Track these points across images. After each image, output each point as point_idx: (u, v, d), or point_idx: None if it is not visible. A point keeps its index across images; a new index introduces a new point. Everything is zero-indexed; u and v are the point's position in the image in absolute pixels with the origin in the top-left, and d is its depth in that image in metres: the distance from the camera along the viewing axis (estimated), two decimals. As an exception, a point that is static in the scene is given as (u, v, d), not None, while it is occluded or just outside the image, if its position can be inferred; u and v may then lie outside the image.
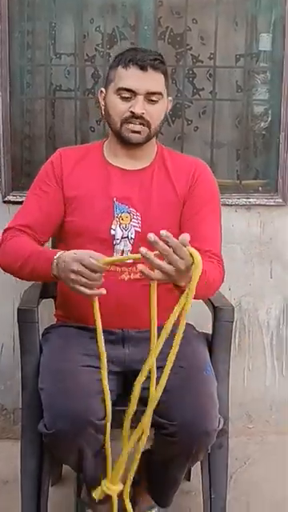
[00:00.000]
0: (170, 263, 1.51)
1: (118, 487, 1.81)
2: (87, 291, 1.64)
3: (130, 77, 1.87)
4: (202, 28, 2.58)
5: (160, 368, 1.65)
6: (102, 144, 2.03)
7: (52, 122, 2.60)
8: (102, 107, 1.97)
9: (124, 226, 1.91)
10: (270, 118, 2.62)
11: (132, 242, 1.91)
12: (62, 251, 1.74)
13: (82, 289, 1.64)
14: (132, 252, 1.90)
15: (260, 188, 2.62)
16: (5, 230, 1.95)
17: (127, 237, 1.91)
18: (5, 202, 2.50)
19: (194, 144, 2.63)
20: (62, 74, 2.59)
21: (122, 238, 1.91)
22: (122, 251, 1.91)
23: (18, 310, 1.94)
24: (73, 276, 1.64)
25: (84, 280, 1.62)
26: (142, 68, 1.86)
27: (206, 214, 1.96)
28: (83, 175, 1.96)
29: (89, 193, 1.94)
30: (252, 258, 2.60)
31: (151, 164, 1.99)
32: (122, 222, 1.91)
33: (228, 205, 2.51)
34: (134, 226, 1.92)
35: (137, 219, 1.92)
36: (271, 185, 2.61)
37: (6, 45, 2.44)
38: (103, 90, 1.96)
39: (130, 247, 1.91)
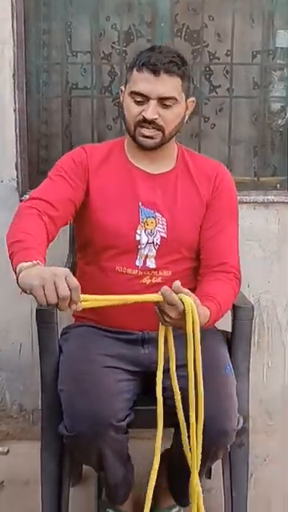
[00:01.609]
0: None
1: None
2: (43, 300, 1.48)
3: (142, 81, 1.82)
4: (218, 25, 2.57)
5: (181, 367, 1.67)
6: (122, 143, 1.99)
7: (68, 121, 2.60)
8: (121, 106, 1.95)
9: (149, 231, 1.90)
10: (287, 115, 2.60)
11: (157, 247, 1.90)
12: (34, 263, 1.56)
13: (42, 296, 1.48)
14: (156, 257, 1.89)
15: (278, 185, 2.61)
16: (21, 203, 1.88)
17: (152, 242, 1.89)
18: (22, 201, 2.49)
19: (211, 141, 2.62)
20: (78, 73, 2.58)
21: (148, 243, 1.89)
22: (146, 256, 1.90)
23: (37, 310, 1.93)
24: (47, 277, 1.48)
25: (52, 289, 1.46)
26: (155, 72, 1.81)
27: (225, 224, 1.95)
28: (109, 175, 1.93)
29: (115, 194, 1.91)
30: (270, 256, 2.58)
31: (174, 167, 1.96)
32: (147, 227, 1.89)
33: (246, 202, 2.49)
34: (160, 232, 1.90)
35: (162, 225, 1.90)
36: (289, 182, 2.60)
37: (23, 44, 2.43)
38: (122, 88, 1.93)
39: (154, 252, 1.89)
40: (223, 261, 1.90)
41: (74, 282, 1.48)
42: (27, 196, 2.43)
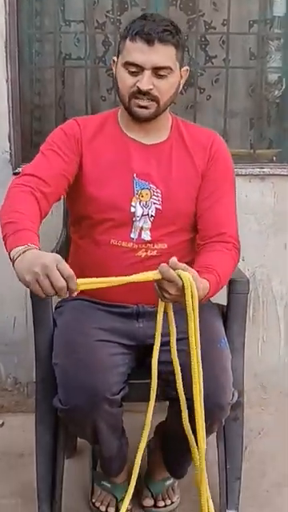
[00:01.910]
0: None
1: None
2: (41, 294, 1.49)
3: (136, 51, 1.78)
4: (214, -7, 2.52)
5: (179, 340, 1.67)
6: (116, 114, 1.96)
7: (62, 92, 2.56)
8: (114, 76, 1.90)
9: (144, 203, 1.87)
10: (284, 86, 2.57)
11: (152, 219, 1.88)
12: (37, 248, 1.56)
13: (39, 290, 1.48)
14: (151, 229, 1.87)
15: (274, 158, 2.59)
16: (13, 180, 1.83)
17: (147, 214, 1.87)
18: (15, 174, 2.46)
19: (206, 113, 2.60)
20: (71, 42, 2.54)
21: (143, 215, 1.87)
22: (141, 228, 1.88)
23: (31, 284, 1.92)
24: (39, 271, 1.47)
25: (47, 282, 1.46)
26: (149, 42, 1.77)
27: (222, 194, 1.92)
28: (103, 146, 1.90)
29: (109, 166, 1.88)
30: (266, 229, 2.57)
31: (168, 138, 1.93)
32: (141, 198, 1.87)
33: (242, 175, 2.47)
34: (155, 203, 1.88)
35: (157, 196, 1.88)
36: (285, 154, 2.57)
37: (15, 12, 2.38)
38: (115, 59, 1.89)
39: (149, 225, 1.87)
40: (221, 231, 1.88)
41: (67, 270, 1.47)
42: (20, 169, 2.44)
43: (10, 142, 2.44)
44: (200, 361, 1.63)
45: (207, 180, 1.92)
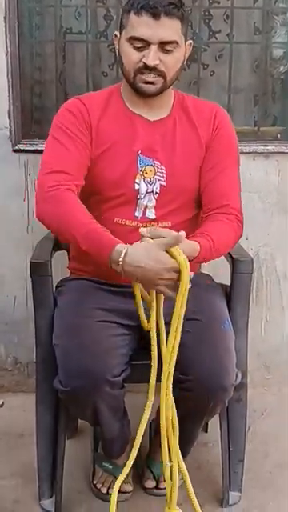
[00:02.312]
0: None
1: None
2: (170, 293, 1.60)
3: (142, 25, 1.73)
4: None
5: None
6: (119, 90, 1.92)
7: (63, 67, 2.51)
8: (117, 52, 1.86)
9: (149, 179, 1.84)
10: (289, 62, 2.53)
11: (156, 196, 1.85)
12: (124, 246, 1.63)
13: (167, 290, 1.60)
14: (156, 207, 1.85)
15: (278, 135, 2.55)
16: (43, 178, 1.80)
17: (152, 191, 1.84)
18: (15, 150, 2.43)
19: (210, 89, 2.55)
20: (72, 16, 2.48)
21: (147, 192, 1.84)
22: (146, 206, 1.85)
23: (31, 263, 1.90)
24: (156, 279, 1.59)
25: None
26: (155, 15, 1.72)
27: (225, 165, 1.90)
28: (109, 124, 1.86)
29: (115, 144, 1.84)
30: (270, 207, 2.54)
31: (171, 113, 1.90)
32: (145, 175, 1.84)
33: (246, 153, 2.43)
34: (159, 180, 1.85)
35: (161, 172, 1.85)
36: (290, 132, 2.54)
37: (14, -15, 2.34)
38: (117, 33, 1.84)
39: (154, 202, 1.84)
40: (224, 203, 1.85)
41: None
42: (20, 146, 2.40)
43: (9, 118, 2.40)
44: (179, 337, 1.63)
45: (211, 151, 1.90)
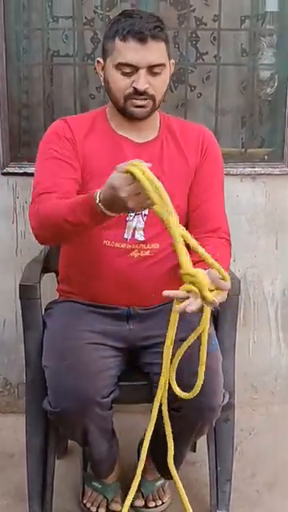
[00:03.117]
0: None
1: None
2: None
3: (129, 51, 1.74)
4: (205, -12, 2.49)
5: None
6: (104, 112, 1.93)
7: (50, 90, 2.51)
8: (101, 78, 1.86)
9: None
10: (276, 84, 2.54)
11: (145, 218, 1.85)
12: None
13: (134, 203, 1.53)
14: (144, 229, 1.84)
15: (265, 157, 2.56)
16: (33, 200, 1.81)
17: (140, 213, 1.84)
18: (3, 173, 2.44)
19: (197, 111, 2.56)
20: (59, 39, 2.49)
21: (136, 214, 1.84)
22: (135, 228, 1.85)
23: (20, 286, 1.91)
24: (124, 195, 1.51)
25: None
26: (142, 40, 1.73)
27: (214, 190, 1.91)
28: (95, 146, 1.87)
29: (102, 166, 1.83)
30: (257, 229, 2.55)
31: (159, 134, 1.91)
32: None
33: (233, 174, 2.45)
34: None
35: None
36: (277, 153, 2.55)
37: (1, 8, 2.35)
38: (100, 60, 1.85)
39: (142, 224, 1.85)
40: (216, 226, 1.87)
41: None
42: (8, 169, 2.41)
43: (-3, 140, 2.42)
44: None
45: (200, 175, 1.91)
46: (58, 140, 1.85)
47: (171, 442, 1.73)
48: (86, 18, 2.49)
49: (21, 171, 2.43)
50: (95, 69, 2.41)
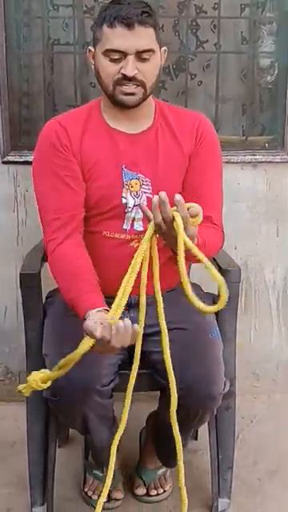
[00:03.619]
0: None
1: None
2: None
3: (116, 37, 1.72)
4: (205, -24, 2.47)
5: (170, 330, 1.67)
6: (99, 105, 1.91)
7: (51, 78, 2.51)
8: (92, 66, 1.85)
9: (135, 193, 1.84)
10: (276, 71, 2.53)
11: None
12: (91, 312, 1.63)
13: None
14: (143, 219, 1.83)
15: (266, 144, 2.56)
16: (44, 229, 1.82)
17: (139, 204, 1.82)
18: (4, 162, 2.44)
19: (197, 99, 2.55)
20: (60, 27, 2.48)
21: (134, 205, 1.83)
22: (133, 219, 1.85)
23: (21, 274, 1.91)
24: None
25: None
26: (129, 26, 1.71)
27: (209, 177, 1.89)
28: (90, 144, 1.85)
29: (99, 162, 1.83)
30: (258, 217, 2.55)
31: (153, 123, 1.89)
32: (131, 189, 1.83)
33: (234, 162, 2.45)
34: (145, 193, 1.84)
35: (147, 185, 1.85)
36: (277, 141, 2.55)
37: (2, -4, 2.34)
38: (91, 48, 1.83)
39: (141, 215, 1.82)
40: (207, 214, 1.81)
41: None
42: (9, 158, 2.41)
43: (-2, 129, 2.42)
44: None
45: (194, 162, 1.88)
46: (55, 150, 1.82)
47: (177, 430, 1.73)
48: (86, 6, 2.48)
49: (21, 160, 2.42)
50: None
